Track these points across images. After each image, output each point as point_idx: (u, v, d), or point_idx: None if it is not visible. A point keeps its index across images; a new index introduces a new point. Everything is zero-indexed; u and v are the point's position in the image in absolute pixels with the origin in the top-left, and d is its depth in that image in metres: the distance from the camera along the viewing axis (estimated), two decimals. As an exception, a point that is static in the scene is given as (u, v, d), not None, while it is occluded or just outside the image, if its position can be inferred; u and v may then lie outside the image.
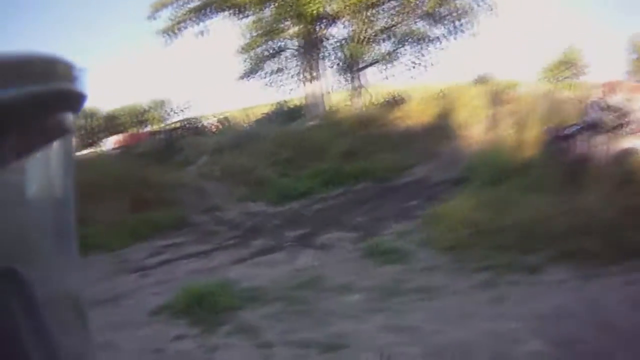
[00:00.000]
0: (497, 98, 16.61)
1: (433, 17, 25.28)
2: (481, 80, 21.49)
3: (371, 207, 13.06)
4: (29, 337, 0.76)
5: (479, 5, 24.59)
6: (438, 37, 26.19)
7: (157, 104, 34.84)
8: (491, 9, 24.56)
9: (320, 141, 17.89)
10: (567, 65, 31.10)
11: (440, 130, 16.75)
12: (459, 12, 25.09)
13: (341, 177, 15.76)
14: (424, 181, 14.61)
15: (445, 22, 25.46)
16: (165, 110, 30.66)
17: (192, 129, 21.98)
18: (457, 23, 25.47)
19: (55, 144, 0.89)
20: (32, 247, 0.86)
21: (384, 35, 26.05)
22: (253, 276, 8.74)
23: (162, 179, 14.17)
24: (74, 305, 1.07)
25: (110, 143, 26.12)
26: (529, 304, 6.49)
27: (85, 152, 23.55)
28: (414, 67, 26.91)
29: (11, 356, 0.74)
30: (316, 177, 15.81)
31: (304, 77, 25.52)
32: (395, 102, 23.39)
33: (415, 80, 26.86)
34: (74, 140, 1.01)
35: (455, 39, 25.90)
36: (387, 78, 27.20)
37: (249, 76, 26.77)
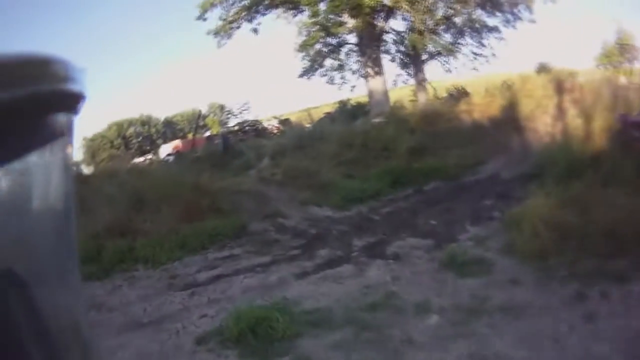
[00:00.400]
0: (560, 87, 15.87)
1: (491, 4, 24.81)
2: (542, 69, 21.13)
3: (443, 208, 12.09)
4: (29, 339, 0.76)
5: None
6: (497, 26, 25.85)
7: (215, 108, 34.16)
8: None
9: (386, 139, 17.13)
10: (621, 51, 30.26)
11: (507, 123, 16.01)
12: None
13: (409, 176, 14.90)
14: (495, 178, 13.78)
15: (503, 10, 25.14)
16: (224, 114, 29.93)
17: (251, 132, 21.21)
18: (514, 10, 25.20)
19: (55, 145, 0.87)
20: (30, 249, 0.83)
21: (444, 26, 25.58)
22: (317, 295, 7.72)
23: (219, 185, 13.31)
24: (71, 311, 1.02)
25: (166, 150, 25.88)
26: (621, 320, 5.77)
27: (140, 159, 23.24)
28: (474, 59, 26.60)
29: (11, 358, 0.74)
30: (383, 177, 14.94)
31: (366, 72, 24.73)
32: (458, 95, 22.80)
33: (476, 72, 26.74)
34: (73, 141, 0.98)
35: (513, 27, 25.64)
36: (449, 71, 26.91)
37: (308, 74, 26.20)
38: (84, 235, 9.91)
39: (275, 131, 23.42)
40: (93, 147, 40.27)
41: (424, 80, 26.41)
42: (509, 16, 25.30)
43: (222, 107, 33.66)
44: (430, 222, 11.21)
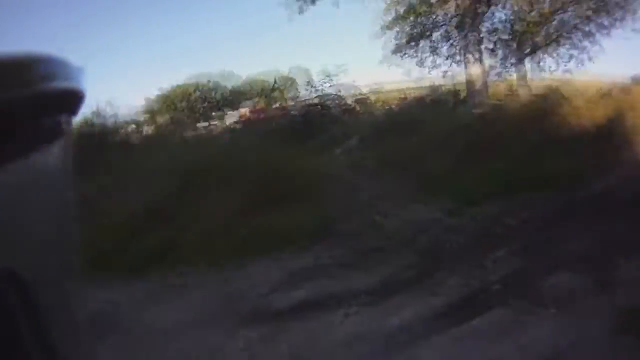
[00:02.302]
0: None
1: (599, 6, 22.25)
2: (638, 81, 19.26)
3: (578, 227, 9.39)
4: (29, 340, 0.75)
5: None
6: (604, 27, 23.42)
7: (287, 79, 31.25)
8: None
9: (493, 135, 14.37)
10: None
11: (614, 134, 14.00)
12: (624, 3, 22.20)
13: (522, 180, 12.07)
14: (613, 195, 11.07)
15: (608, 13, 22.75)
16: (299, 85, 27.13)
17: (336, 107, 18.32)
18: (618, 16, 22.65)
19: (54, 145, 0.86)
20: (30, 249, 0.82)
21: (553, 18, 23.26)
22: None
23: (298, 166, 10.55)
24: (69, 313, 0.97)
25: (233, 118, 23.86)
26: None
27: (202, 125, 21.09)
28: (570, 60, 24.41)
29: (11, 358, 0.75)
30: (495, 178, 12.21)
31: (466, 58, 22.09)
32: (553, 96, 19.50)
33: (570, 75, 24.16)
34: (72, 142, 0.95)
35: (608, 34, 23.32)
36: (543, 70, 24.78)
37: (400, 53, 23.47)
38: (114, 220, 8.10)
39: (358, 109, 20.90)
40: (156, 109, 38.60)
41: (526, 74, 24.14)
42: (611, 21, 22.92)
43: (293, 80, 30.69)
44: (574, 246, 8.43)
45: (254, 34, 64.63)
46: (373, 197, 10.38)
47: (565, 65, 24.58)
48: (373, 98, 23.98)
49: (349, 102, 21.61)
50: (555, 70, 24.80)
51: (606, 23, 23.08)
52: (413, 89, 25.42)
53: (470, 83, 22.04)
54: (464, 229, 9.44)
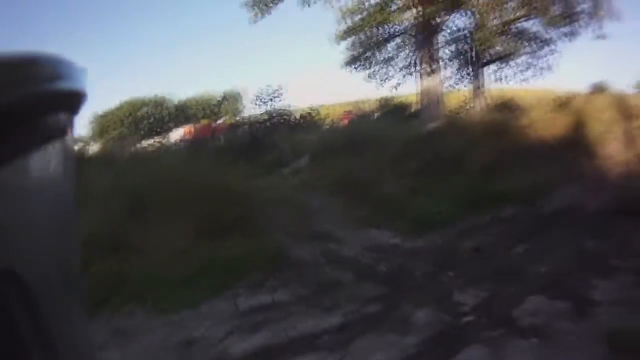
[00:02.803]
0: (626, 111, 14.79)
1: (558, 16, 22.08)
2: (598, 89, 19.51)
3: (540, 247, 9.12)
4: (29, 339, 0.75)
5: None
6: (564, 35, 23.80)
7: (233, 95, 30.65)
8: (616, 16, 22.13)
9: (449, 150, 13.88)
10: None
11: (575, 145, 14.08)
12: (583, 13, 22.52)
13: (482, 197, 11.79)
14: (577, 209, 11.19)
15: (567, 22, 22.80)
16: (243, 103, 26.55)
17: (284, 123, 17.74)
18: (577, 25, 23.02)
19: (55, 145, 0.86)
20: (30, 249, 0.81)
21: (512, 28, 22.92)
22: None
23: (247, 189, 9.75)
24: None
25: (177, 135, 23.22)
26: None
27: (148, 142, 20.35)
28: (527, 69, 24.91)
29: (11, 356, 0.74)
30: (452, 196, 11.82)
31: (422, 69, 21.47)
32: (509, 107, 20.95)
33: (527, 84, 25.38)
34: (73, 142, 0.99)
35: (569, 41, 24.00)
36: (499, 80, 25.08)
37: (355, 65, 23.41)
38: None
39: (307, 125, 20.23)
40: (103, 125, 37.81)
41: (482, 85, 23.91)
42: (570, 30, 23.31)
43: (239, 95, 30.02)
44: (539, 268, 8.02)
45: (190, 56, 63.81)
46: (327, 221, 9.75)
47: (522, 75, 24.66)
48: (320, 114, 23.54)
49: (297, 118, 20.86)
50: (512, 80, 24.88)
51: (567, 30, 23.14)
52: (362, 102, 24.76)
53: (424, 95, 21.56)
54: (425, 255, 8.88)
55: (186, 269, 7.04)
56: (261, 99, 19.94)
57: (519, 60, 24.65)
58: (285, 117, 19.10)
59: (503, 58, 23.91)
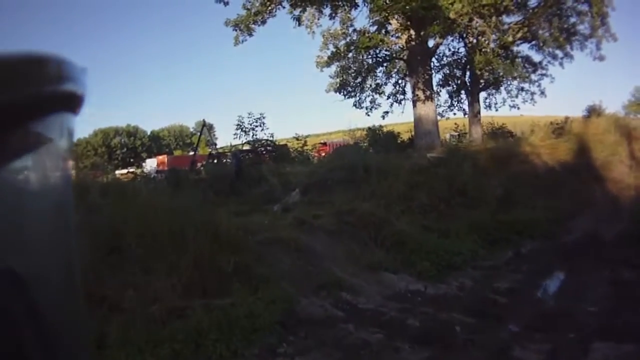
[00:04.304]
0: (628, 133, 14.97)
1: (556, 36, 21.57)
2: (594, 112, 19.82)
3: (573, 281, 8.45)
4: (29, 338, 0.76)
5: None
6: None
7: (207, 126, 29.53)
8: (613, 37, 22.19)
9: (458, 181, 12.86)
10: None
11: (581, 170, 13.90)
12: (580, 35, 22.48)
13: (500, 232, 11.13)
14: (595, 238, 10.61)
15: (565, 43, 22.43)
16: (215, 134, 25.43)
17: (268, 154, 16.45)
18: (572, 47, 22.91)
19: (54, 145, 0.88)
20: (29, 248, 0.84)
21: (508, 51, 22.34)
22: None
23: (239, 229, 8.20)
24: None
25: (151, 164, 22.27)
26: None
27: (121, 172, 19.29)
28: (517, 95, 24.58)
29: (11, 356, 0.75)
30: (469, 232, 10.87)
31: (416, 96, 20.44)
32: (503, 134, 21.14)
33: (517, 110, 24.90)
34: (73, 142, 0.99)
35: (560, 65, 23.65)
36: (489, 107, 24.82)
37: (343, 91, 22.50)
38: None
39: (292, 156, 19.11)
40: (76, 153, 36.76)
41: (479, 112, 23.40)
42: (561, 53, 23.11)
43: (211, 127, 28.81)
44: (586, 307, 7.14)
45: (163, 86, 63.66)
46: (335, 266, 8.41)
47: (513, 101, 24.27)
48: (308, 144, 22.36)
49: (282, 147, 19.60)
50: (502, 106, 24.51)
51: (561, 54, 22.87)
52: (349, 131, 23.87)
53: (419, 122, 20.47)
54: (456, 302, 7.63)
55: (179, 333, 5.55)
56: (242, 128, 18.52)
57: (509, 87, 24.36)
58: (269, 147, 17.74)
59: (496, 83, 23.53)
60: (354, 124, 24.31)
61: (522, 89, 24.30)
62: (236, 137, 18.82)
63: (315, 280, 7.68)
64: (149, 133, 33.62)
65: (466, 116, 24.04)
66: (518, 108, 24.33)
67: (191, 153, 26.94)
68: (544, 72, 23.99)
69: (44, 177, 0.86)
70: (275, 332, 6.06)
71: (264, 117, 18.52)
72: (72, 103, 0.88)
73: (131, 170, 21.63)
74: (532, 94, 24.24)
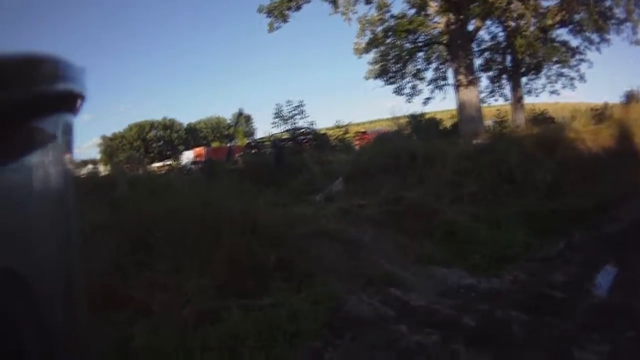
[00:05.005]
0: None
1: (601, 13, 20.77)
2: (632, 98, 19.08)
3: (634, 274, 7.34)
4: (29, 337, 0.76)
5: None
6: (593, 42, 22.84)
7: (244, 117, 29.04)
8: None
9: (505, 169, 12.31)
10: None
11: (626, 156, 13.42)
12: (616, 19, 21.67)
13: (550, 220, 10.31)
14: None
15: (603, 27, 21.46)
16: (253, 125, 24.99)
17: (309, 142, 15.90)
18: (609, 31, 22.09)
19: (55, 145, 0.88)
20: (30, 248, 0.83)
21: (547, 35, 21.69)
22: None
23: (283, 222, 7.77)
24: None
25: (187, 157, 21.93)
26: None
27: (158, 164, 19.16)
28: (559, 79, 24.32)
29: (11, 355, 0.74)
30: (519, 221, 10.19)
31: (458, 81, 19.81)
32: (545, 121, 20.37)
33: (557, 96, 24.88)
34: (73, 142, 0.97)
35: (597, 50, 22.75)
36: (529, 92, 24.40)
37: (382, 77, 21.96)
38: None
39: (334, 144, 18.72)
40: (112, 147, 37.43)
41: (522, 97, 23.11)
42: (596, 37, 22.40)
43: (249, 118, 28.44)
44: None
45: (199, 79, 63.99)
46: (383, 259, 7.77)
47: (552, 86, 24.23)
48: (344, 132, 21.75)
49: (324, 136, 19.23)
50: (542, 91, 24.54)
51: (597, 38, 22.31)
52: (391, 119, 23.43)
53: (462, 108, 19.89)
54: (511, 297, 6.86)
55: (213, 339, 4.95)
56: (282, 117, 17.90)
57: (549, 72, 24.14)
58: (310, 135, 17.13)
59: (537, 68, 23.14)
60: (396, 111, 23.52)
61: (562, 74, 23.98)
62: (275, 126, 18.38)
63: (363, 275, 7.06)
64: (185, 126, 33.42)
65: (508, 102, 23.62)
66: (558, 93, 24.17)
67: (229, 145, 26.61)
68: (582, 56, 23.48)
69: (45, 177, 0.84)
70: (320, 335, 5.43)
71: (303, 105, 18.01)
72: (72, 103, 0.88)
73: (167, 162, 21.18)
74: (572, 79, 23.87)
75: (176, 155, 25.28)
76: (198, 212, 7.02)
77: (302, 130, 17.75)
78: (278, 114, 18.23)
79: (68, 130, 0.90)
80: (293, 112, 18.23)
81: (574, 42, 23.18)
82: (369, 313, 6.07)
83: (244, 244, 6.44)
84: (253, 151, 18.29)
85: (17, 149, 0.74)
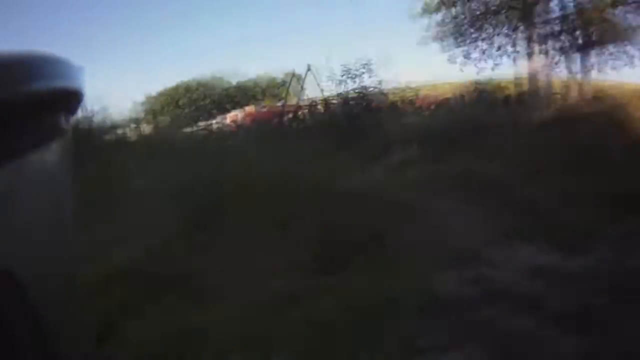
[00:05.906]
0: None
1: None
2: None
3: None
4: (26, 339, 0.75)
5: None
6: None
7: (294, 76, 28.38)
8: None
9: (579, 144, 11.61)
10: None
11: None
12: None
13: (627, 198, 9.14)
14: None
15: None
16: (304, 85, 24.04)
17: (380, 102, 16.23)
18: None
19: (54, 144, 0.88)
20: (28, 249, 0.81)
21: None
22: None
23: (344, 186, 7.43)
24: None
25: (234, 117, 21.74)
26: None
27: (204, 123, 18.91)
28: (618, 58, 23.35)
29: (9, 358, 0.74)
30: (600, 197, 9.33)
31: (530, 49, 19.55)
32: (608, 98, 18.66)
33: (616, 74, 23.64)
34: (70, 141, 0.98)
35: None
36: (589, 69, 23.16)
37: (444, 40, 21.88)
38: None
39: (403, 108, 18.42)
40: (156, 106, 36.61)
41: (589, 71, 22.52)
42: None
43: (300, 76, 27.74)
44: None
45: (249, 34, 62.36)
46: (466, 235, 7.35)
47: (614, 63, 23.42)
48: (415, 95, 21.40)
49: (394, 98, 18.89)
50: (604, 67, 23.59)
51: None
52: (451, 84, 23.51)
53: (532, 79, 19.39)
54: (598, 278, 6.34)
55: (301, 328, 4.48)
56: (350, 75, 17.20)
57: (613, 49, 23.32)
58: (380, 96, 16.65)
59: (604, 43, 22.54)
60: (462, 76, 22.94)
61: (625, 52, 23.34)
62: (340, 84, 17.70)
63: (448, 253, 6.67)
64: (234, 84, 32.95)
65: (574, 74, 22.87)
66: (620, 70, 23.41)
67: (278, 104, 26.04)
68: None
69: (43, 177, 0.83)
70: (413, 320, 4.99)
71: (371, 64, 17.26)
72: (71, 102, 0.86)
73: (213, 121, 20.84)
74: (632, 57, 23.21)
75: (223, 114, 24.89)
76: (266, 180, 6.56)
77: (372, 90, 17.11)
78: (345, 72, 17.54)
79: (66, 129, 0.88)
80: (360, 70, 17.56)
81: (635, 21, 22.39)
82: (460, 295, 5.69)
83: (326, 216, 5.97)
84: (316, 112, 17.93)
85: (16, 149, 0.70)
